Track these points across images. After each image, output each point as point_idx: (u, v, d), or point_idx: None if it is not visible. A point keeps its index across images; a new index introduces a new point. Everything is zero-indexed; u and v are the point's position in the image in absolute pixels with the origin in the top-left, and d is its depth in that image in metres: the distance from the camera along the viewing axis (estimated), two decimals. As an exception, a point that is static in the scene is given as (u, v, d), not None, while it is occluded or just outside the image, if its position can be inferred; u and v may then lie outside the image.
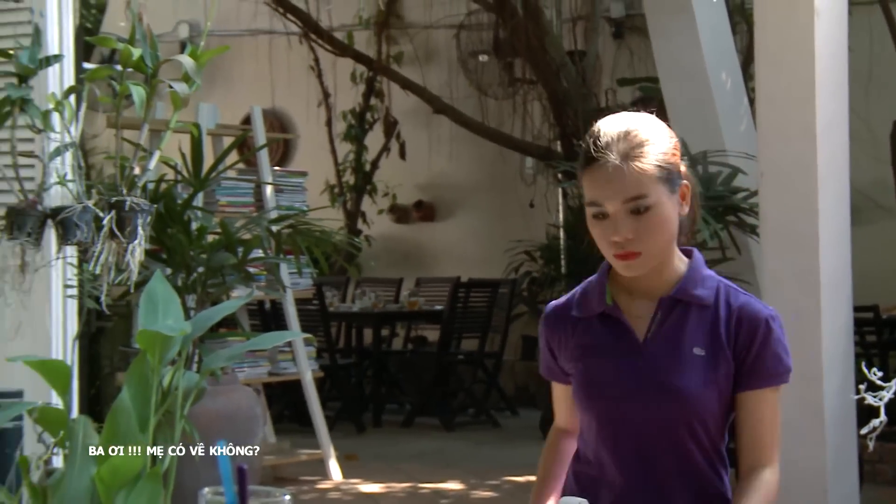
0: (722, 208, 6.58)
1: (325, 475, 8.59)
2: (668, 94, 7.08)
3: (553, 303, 3.07)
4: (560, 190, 11.50)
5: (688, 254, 2.93)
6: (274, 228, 6.71)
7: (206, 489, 1.21)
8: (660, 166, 2.74)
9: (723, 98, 6.89)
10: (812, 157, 5.79)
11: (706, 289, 2.85)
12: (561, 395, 3.08)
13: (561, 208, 12.22)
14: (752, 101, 6.81)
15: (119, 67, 4.10)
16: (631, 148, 2.74)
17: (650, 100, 8.38)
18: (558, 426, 3.13)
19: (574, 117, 9.18)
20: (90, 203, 4.12)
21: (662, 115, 7.06)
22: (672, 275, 2.87)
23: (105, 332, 8.26)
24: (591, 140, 2.80)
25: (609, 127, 2.81)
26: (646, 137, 2.77)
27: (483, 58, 12.50)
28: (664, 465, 2.84)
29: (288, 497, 1.23)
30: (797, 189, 5.88)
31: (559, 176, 9.00)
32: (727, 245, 6.65)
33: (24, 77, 4.09)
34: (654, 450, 2.84)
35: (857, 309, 6.47)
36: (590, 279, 3.00)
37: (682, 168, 2.85)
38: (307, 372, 8.76)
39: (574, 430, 3.04)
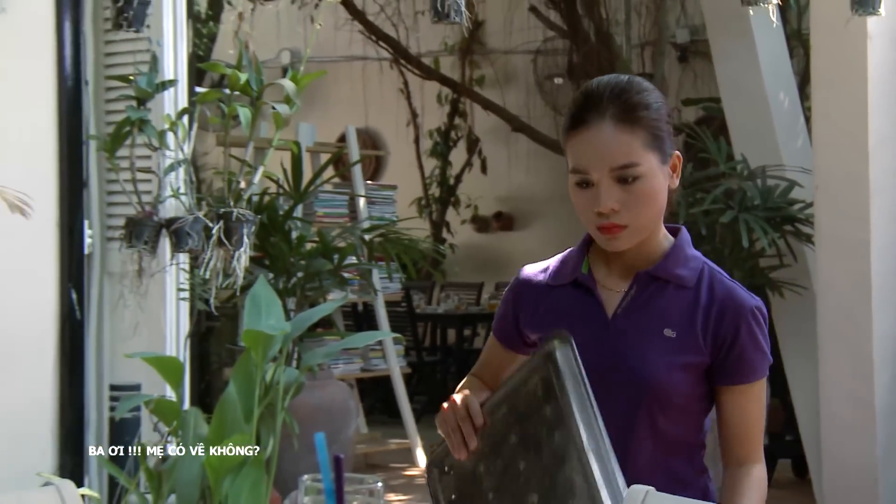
0: (779, 219, 6.51)
1: (413, 462, 8.61)
2: (730, 113, 7.02)
3: (528, 267, 2.66)
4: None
5: (674, 232, 2.52)
6: (366, 237, 6.75)
7: (306, 476, 1.21)
8: (653, 133, 2.35)
9: (781, 116, 6.82)
10: (864, 170, 5.74)
11: (689, 269, 2.44)
12: (499, 358, 2.66)
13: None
14: (807, 119, 6.73)
15: (227, 91, 4.13)
16: (623, 111, 2.34)
17: (713, 118, 8.30)
18: (475, 375, 2.70)
19: (641, 135, 9.13)
20: (201, 214, 4.15)
21: (724, 132, 7.04)
22: (655, 251, 2.46)
23: (213, 332, 8.33)
24: (579, 101, 2.41)
25: (599, 88, 2.40)
26: (639, 100, 2.36)
27: (558, 80, 12.48)
28: (633, 455, 2.36)
29: (380, 484, 1.23)
30: (850, 200, 5.82)
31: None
32: (784, 252, 6.57)
33: (142, 100, 4.13)
34: (619, 438, 2.27)
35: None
36: (570, 248, 2.62)
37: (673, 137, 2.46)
38: (396, 368, 8.80)
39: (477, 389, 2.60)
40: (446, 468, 2.34)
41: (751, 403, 2.41)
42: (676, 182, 2.40)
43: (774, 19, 3.96)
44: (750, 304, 2.39)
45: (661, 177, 2.36)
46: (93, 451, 5.39)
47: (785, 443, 7.15)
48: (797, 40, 7.29)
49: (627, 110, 2.33)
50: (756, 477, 2.40)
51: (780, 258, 6.59)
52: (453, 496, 2.32)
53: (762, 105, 6.74)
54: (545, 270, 2.60)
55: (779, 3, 3.65)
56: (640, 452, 2.37)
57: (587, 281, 2.49)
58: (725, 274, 2.45)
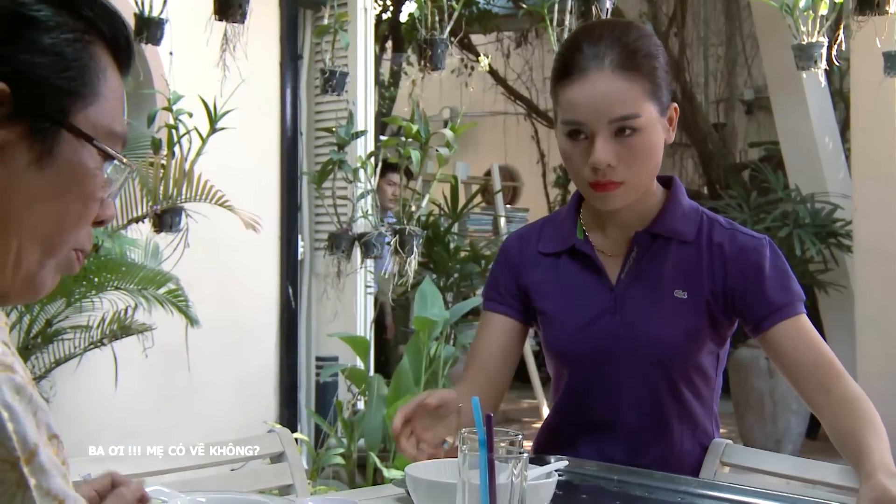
0: (825, 233, 6.37)
1: (540, 418, 8.55)
2: (786, 153, 6.86)
3: (512, 236, 1.92)
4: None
5: (666, 182, 1.82)
6: (506, 247, 6.72)
7: (464, 429, 1.20)
8: (654, 82, 1.66)
9: (826, 155, 6.65)
10: (892, 196, 5.61)
11: (688, 222, 1.77)
12: (504, 335, 1.84)
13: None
14: (847, 157, 6.55)
15: (403, 138, 4.15)
16: (624, 57, 1.64)
17: (772, 157, 8.10)
18: (464, 389, 1.74)
19: (716, 170, 8.96)
20: (383, 230, 4.18)
21: (781, 167, 6.87)
22: (650, 207, 1.77)
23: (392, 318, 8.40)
24: (574, 45, 1.69)
25: (596, 31, 1.69)
26: (640, 45, 1.67)
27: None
28: (664, 424, 1.76)
29: (520, 435, 1.22)
30: (882, 219, 5.69)
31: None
32: (829, 260, 6.42)
33: (341, 145, 4.17)
34: (631, 412, 1.75)
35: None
36: (557, 211, 1.93)
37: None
38: (527, 345, 8.75)
39: (479, 390, 1.70)
40: None
41: (806, 334, 1.71)
42: (672, 136, 1.72)
43: (822, 80, 3.84)
44: (751, 245, 1.74)
45: (659, 129, 1.69)
46: (304, 405, 5.47)
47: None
48: (839, 97, 7.08)
49: (628, 55, 1.65)
50: (856, 393, 1.64)
51: (825, 264, 6.43)
52: None
53: (811, 146, 6.59)
54: (535, 237, 1.87)
55: (825, 68, 3.53)
56: (669, 421, 1.76)
57: (585, 248, 1.79)
58: (723, 219, 1.81)
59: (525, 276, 1.83)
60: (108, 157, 0.96)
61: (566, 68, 1.68)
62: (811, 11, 3.45)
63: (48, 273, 0.96)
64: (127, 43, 0.99)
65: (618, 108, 1.63)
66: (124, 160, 0.97)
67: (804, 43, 3.47)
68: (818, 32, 3.47)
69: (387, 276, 4.15)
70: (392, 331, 6.61)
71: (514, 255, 1.86)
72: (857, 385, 1.66)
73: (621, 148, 1.64)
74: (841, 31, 3.63)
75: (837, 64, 3.56)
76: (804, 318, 1.72)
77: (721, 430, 1.86)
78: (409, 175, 5.39)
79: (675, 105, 1.73)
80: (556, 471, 1.48)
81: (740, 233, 1.77)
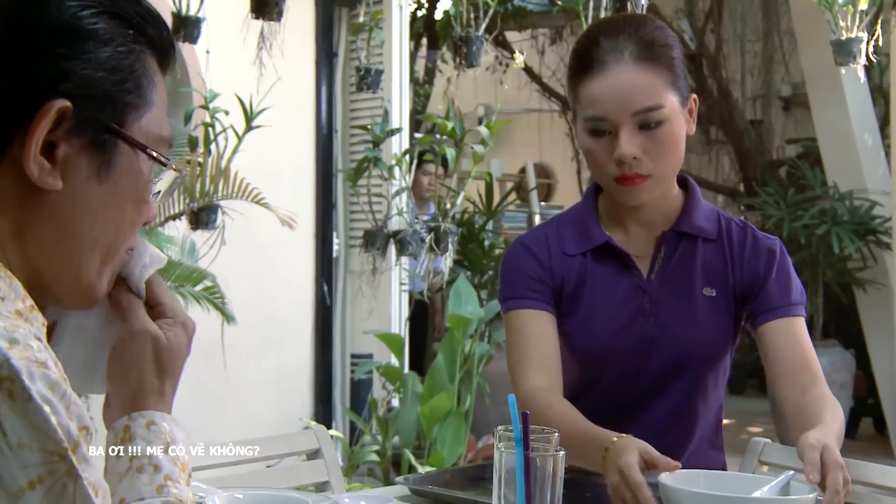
0: (863, 230, 6.30)
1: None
2: (824, 149, 6.78)
3: (526, 237, 1.81)
4: (742, 218, 11.15)
5: (681, 182, 1.78)
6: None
7: (500, 427, 1.20)
8: (674, 72, 1.64)
9: (865, 151, 6.57)
10: (934, 194, 5.51)
11: (710, 220, 1.75)
12: (552, 332, 1.71)
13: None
14: (887, 153, 6.47)
15: (438, 136, 4.16)
16: (643, 47, 1.62)
17: (810, 154, 8.02)
18: (541, 387, 1.66)
19: (753, 167, 8.89)
20: (418, 227, 4.19)
21: (819, 164, 6.80)
22: (672, 205, 1.74)
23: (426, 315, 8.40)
24: (591, 40, 1.66)
25: (613, 25, 1.69)
26: (658, 36, 1.64)
27: (688, 125, 12.26)
28: (695, 423, 1.74)
29: (557, 434, 1.21)
30: (922, 218, 5.59)
31: (741, 208, 8.72)
32: (867, 257, 6.35)
33: (376, 143, 4.18)
34: (661, 412, 1.71)
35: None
36: (570, 211, 1.84)
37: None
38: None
39: (557, 387, 1.68)
40: None
41: (798, 335, 1.69)
42: (693, 128, 1.70)
43: (861, 76, 3.80)
44: (765, 244, 1.74)
45: (682, 120, 1.66)
46: (339, 402, 5.49)
47: (868, 405, 6.86)
48: (878, 92, 7.00)
49: (647, 46, 1.62)
50: (830, 396, 1.61)
51: (863, 261, 6.37)
52: None
53: (850, 143, 6.51)
54: (554, 237, 1.78)
55: (864, 64, 3.50)
56: (697, 420, 1.74)
57: (619, 247, 1.73)
58: (740, 220, 1.79)
59: (558, 275, 1.74)
60: (159, 163, 0.98)
61: (585, 63, 1.64)
62: (850, 6, 3.41)
63: (105, 280, 0.99)
64: (171, 45, 1.01)
65: (641, 100, 1.61)
66: (174, 166, 1.00)
67: (843, 38, 3.44)
68: (857, 27, 3.43)
69: (422, 274, 4.15)
70: (441, 331, 6.61)
71: (541, 253, 1.76)
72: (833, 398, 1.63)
73: (646, 140, 1.62)
74: (880, 26, 3.59)
75: (877, 59, 3.52)
76: (799, 322, 1.71)
77: (757, 429, 1.85)
78: (445, 166, 5.39)
79: (695, 96, 1.71)
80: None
81: (755, 232, 1.78)
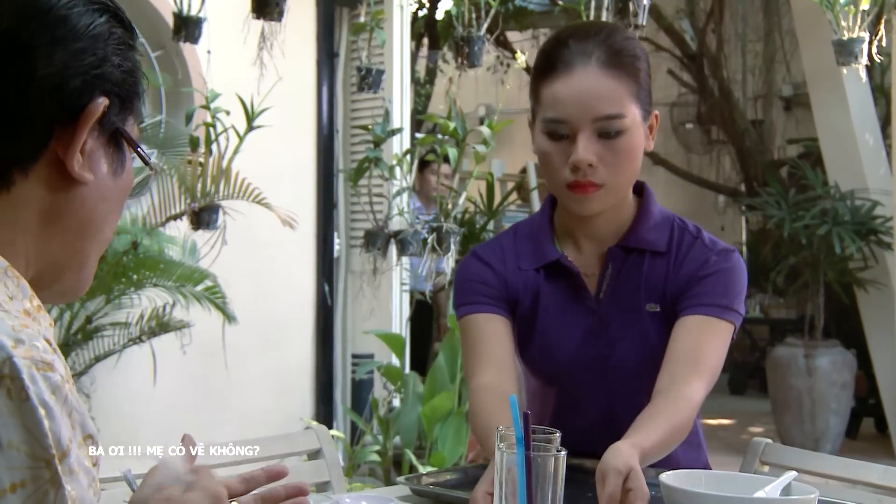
0: (865, 230, 6.29)
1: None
2: (825, 149, 6.78)
3: (480, 248, 1.79)
4: (743, 218, 11.13)
5: (637, 189, 1.74)
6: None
7: (501, 426, 1.20)
8: (639, 83, 1.61)
9: (867, 151, 6.56)
10: (935, 195, 5.50)
11: (660, 232, 1.70)
12: (506, 333, 1.70)
13: (744, 231, 11.84)
14: (888, 154, 6.47)
15: (440, 136, 4.15)
16: (611, 55, 1.58)
17: (811, 154, 8.02)
18: (486, 384, 1.64)
19: (754, 167, 8.89)
20: (419, 227, 4.18)
21: (820, 164, 6.80)
22: (624, 218, 1.70)
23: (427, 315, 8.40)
24: (560, 42, 1.62)
25: (582, 29, 1.65)
26: (627, 45, 1.61)
27: (689, 125, 12.22)
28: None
29: (558, 434, 1.21)
30: (923, 218, 5.59)
31: (742, 208, 8.73)
32: (868, 257, 6.34)
33: (377, 143, 4.18)
34: (613, 425, 1.56)
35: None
36: (519, 224, 1.83)
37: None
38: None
39: (508, 385, 1.64)
40: None
41: (701, 333, 1.61)
42: (652, 145, 1.67)
43: (862, 76, 3.80)
44: (709, 251, 1.69)
45: (641, 134, 1.63)
46: (339, 402, 5.49)
47: (869, 405, 6.86)
48: (880, 92, 6.99)
49: (615, 54, 1.59)
50: (677, 396, 1.54)
51: (865, 262, 6.36)
52: None
53: (851, 143, 6.51)
54: (510, 250, 1.76)
55: (866, 64, 3.49)
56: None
57: (569, 264, 1.70)
58: (693, 226, 1.75)
59: (512, 287, 1.72)
60: (144, 163, 1.03)
61: (550, 63, 1.61)
62: (852, 6, 3.41)
63: (94, 269, 1.02)
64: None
65: (603, 106, 1.57)
66: (153, 163, 1.04)
67: (845, 38, 3.43)
68: (859, 27, 3.43)
69: (424, 274, 4.15)
70: (446, 331, 6.60)
71: (496, 265, 1.73)
72: (693, 392, 1.56)
73: (603, 149, 1.59)
74: (882, 26, 3.58)
75: (878, 59, 3.52)
76: (717, 324, 1.62)
77: (758, 429, 1.81)
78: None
79: (657, 112, 1.68)
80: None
81: (705, 239, 1.72)
